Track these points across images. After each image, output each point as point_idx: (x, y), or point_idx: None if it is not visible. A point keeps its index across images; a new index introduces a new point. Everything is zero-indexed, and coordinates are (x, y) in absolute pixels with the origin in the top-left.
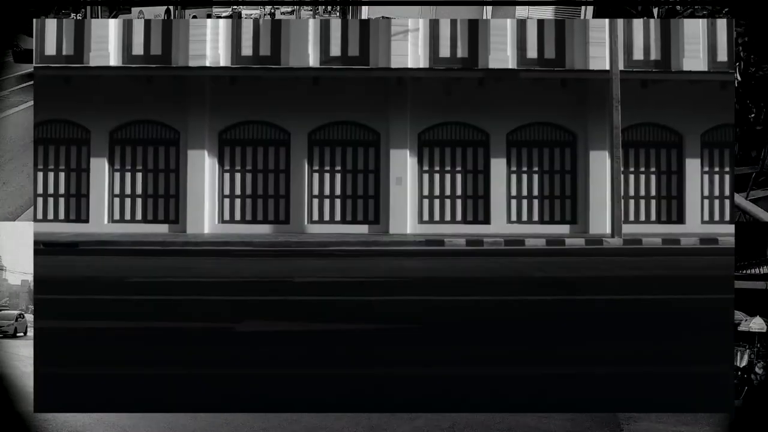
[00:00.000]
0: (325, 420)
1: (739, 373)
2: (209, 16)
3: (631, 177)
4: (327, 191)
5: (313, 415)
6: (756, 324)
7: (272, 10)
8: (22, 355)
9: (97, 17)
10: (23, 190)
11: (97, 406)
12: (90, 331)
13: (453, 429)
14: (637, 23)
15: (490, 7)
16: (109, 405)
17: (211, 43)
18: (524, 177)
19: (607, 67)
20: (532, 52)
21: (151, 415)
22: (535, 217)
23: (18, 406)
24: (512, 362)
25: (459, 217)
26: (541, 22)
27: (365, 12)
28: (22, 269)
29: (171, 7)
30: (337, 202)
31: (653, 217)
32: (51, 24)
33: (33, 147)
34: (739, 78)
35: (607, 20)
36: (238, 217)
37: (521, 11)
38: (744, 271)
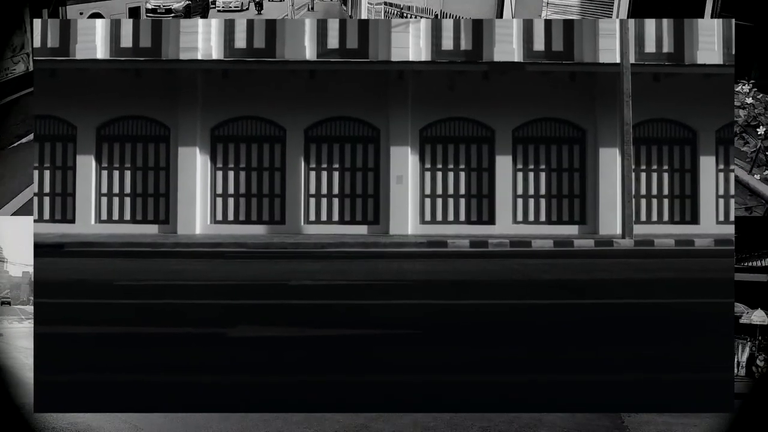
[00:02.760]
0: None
1: (740, 366)
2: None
3: (643, 175)
4: (324, 190)
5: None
6: (757, 316)
7: None
8: (22, 346)
9: None
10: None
11: (88, 408)
12: (75, 336)
13: (453, 420)
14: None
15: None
16: (99, 408)
17: (203, 35)
18: (531, 175)
19: (618, 60)
20: (539, 45)
21: (150, 415)
22: (542, 217)
23: (18, 400)
24: (517, 368)
25: (462, 217)
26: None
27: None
28: (22, 261)
29: None
30: (335, 201)
31: (666, 218)
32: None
33: (33, 142)
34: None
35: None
36: (231, 217)
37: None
38: (745, 264)
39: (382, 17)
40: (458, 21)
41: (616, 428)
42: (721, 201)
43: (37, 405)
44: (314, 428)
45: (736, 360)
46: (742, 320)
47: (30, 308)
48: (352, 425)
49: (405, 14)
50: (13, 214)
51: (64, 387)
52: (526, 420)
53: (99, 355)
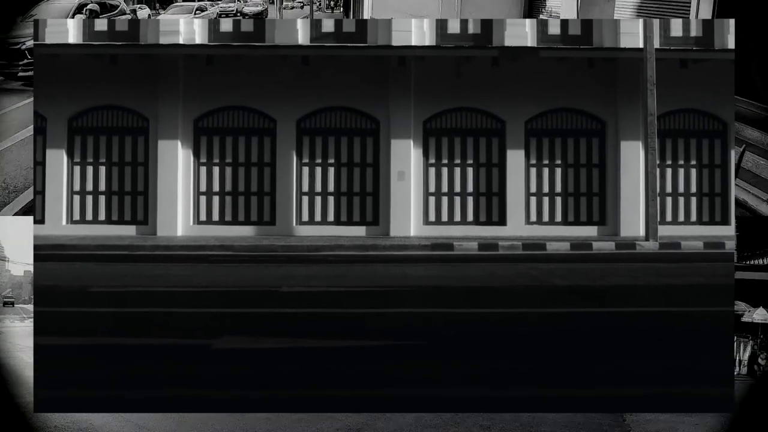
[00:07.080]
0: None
1: (742, 364)
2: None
3: (669, 171)
4: (318, 188)
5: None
6: (759, 315)
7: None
8: (23, 345)
9: None
10: None
11: (89, 408)
12: (51, 347)
13: (455, 419)
14: None
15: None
16: (100, 408)
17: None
18: (545, 171)
19: (641, 45)
20: (554, 28)
21: (150, 414)
22: (558, 218)
23: (18, 399)
24: (524, 381)
25: (470, 217)
26: None
27: (367, 9)
28: (24, 260)
29: None
30: (330, 200)
31: (694, 218)
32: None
33: (33, 139)
34: None
35: None
36: (216, 217)
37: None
38: (747, 262)
39: None
40: None
41: (617, 427)
42: None
43: (37, 405)
44: (315, 426)
45: (737, 358)
46: (744, 318)
47: (31, 307)
48: (353, 423)
49: None
50: (14, 213)
51: (65, 387)
52: (527, 419)
53: (76, 365)
